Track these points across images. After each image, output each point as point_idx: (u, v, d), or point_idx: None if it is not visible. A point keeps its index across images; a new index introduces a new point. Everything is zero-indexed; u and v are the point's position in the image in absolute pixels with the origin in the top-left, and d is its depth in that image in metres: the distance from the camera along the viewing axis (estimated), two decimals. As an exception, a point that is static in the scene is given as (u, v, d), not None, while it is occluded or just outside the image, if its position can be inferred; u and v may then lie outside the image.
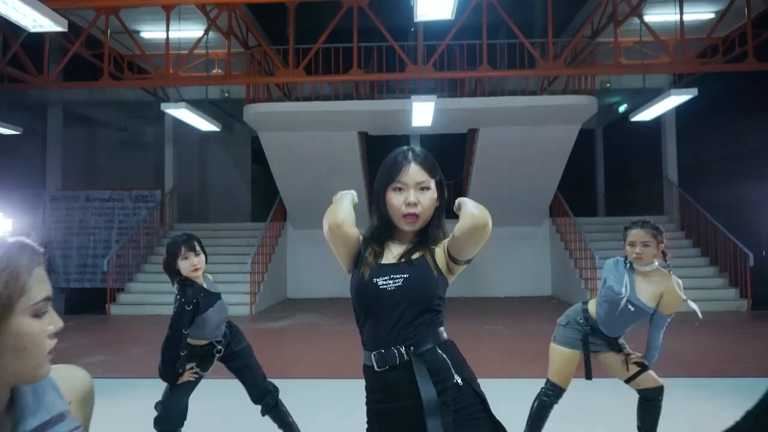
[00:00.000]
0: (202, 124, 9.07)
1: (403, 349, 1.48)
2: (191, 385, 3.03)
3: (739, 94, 11.76)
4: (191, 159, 14.74)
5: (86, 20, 8.95)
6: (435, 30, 9.03)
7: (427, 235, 1.64)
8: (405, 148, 1.67)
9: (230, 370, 3.20)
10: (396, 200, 1.58)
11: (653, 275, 2.86)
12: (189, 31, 9.70)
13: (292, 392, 4.85)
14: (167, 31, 8.85)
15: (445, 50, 9.18)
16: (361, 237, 1.69)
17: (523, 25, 9.34)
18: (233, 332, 3.20)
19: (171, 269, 2.92)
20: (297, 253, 13.08)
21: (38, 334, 0.87)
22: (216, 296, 3.02)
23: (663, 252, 2.86)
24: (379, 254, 1.61)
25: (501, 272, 12.32)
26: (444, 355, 1.50)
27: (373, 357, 1.51)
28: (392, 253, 1.61)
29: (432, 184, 1.61)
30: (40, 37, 10.23)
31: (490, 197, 11.72)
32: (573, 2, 10.86)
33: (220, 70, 11.15)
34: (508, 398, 3.76)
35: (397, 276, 1.53)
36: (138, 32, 10.16)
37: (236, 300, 10.47)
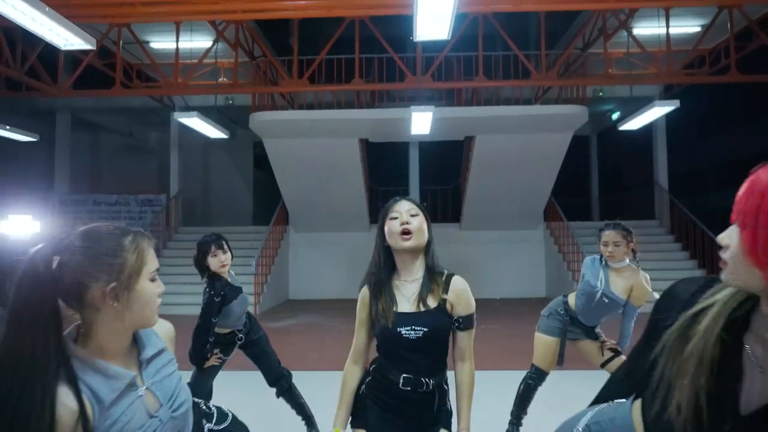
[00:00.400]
0: (212, 131, 9.45)
1: (430, 383, 1.81)
2: (215, 369, 3.40)
3: (727, 103, 12.22)
4: (195, 164, 15.11)
5: (99, 32, 9.33)
6: (433, 42, 9.43)
7: (430, 269, 1.90)
8: (396, 197, 2.02)
9: (249, 356, 3.57)
10: (392, 225, 1.88)
11: (624, 271, 3.27)
12: (197, 42, 10.10)
13: (298, 383, 5.24)
14: (177, 41, 9.24)
15: (443, 61, 9.58)
16: (365, 295, 1.92)
17: (518, 35, 9.77)
18: (252, 322, 3.57)
19: (201, 265, 3.27)
20: (299, 256, 13.45)
21: (153, 293, 1.26)
22: (238, 290, 3.39)
23: (633, 250, 3.26)
24: (394, 302, 1.83)
25: (497, 274, 12.71)
26: (446, 388, 1.90)
27: (402, 378, 1.81)
28: (405, 297, 1.85)
29: (420, 214, 1.90)
30: (54, 48, 10.62)
31: (486, 202, 12.23)
32: (566, 15, 11.28)
33: (225, 79, 11.55)
34: (502, 389, 4.17)
35: (418, 327, 1.79)
36: (147, 42, 10.54)
37: (241, 301, 10.83)
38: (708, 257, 11.11)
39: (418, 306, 1.82)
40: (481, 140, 11.00)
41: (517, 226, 12.94)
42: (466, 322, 1.89)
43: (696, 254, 11.57)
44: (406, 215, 1.87)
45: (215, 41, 9.37)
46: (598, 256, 3.39)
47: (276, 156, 11.35)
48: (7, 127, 8.77)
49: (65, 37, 4.49)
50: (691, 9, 9.27)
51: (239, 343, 3.46)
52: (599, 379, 3.68)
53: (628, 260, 3.29)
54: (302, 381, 5.36)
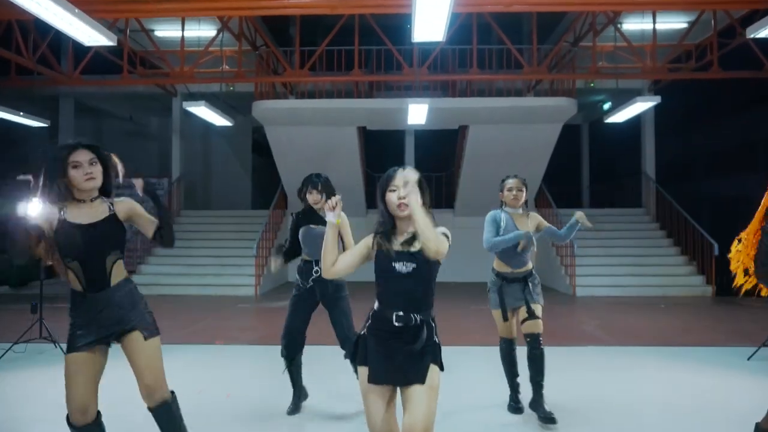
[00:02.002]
0: (218, 119, 9.83)
1: (418, 318, 2.20)
2: (300, 311, 3.90)
3: (713, 97, 12.65)
4: (196, 149, 15.44)
5: (107, 21, 9.65)
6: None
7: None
8: (395, 167, 2.35)
9: (330, 315, 3.98)
10: (391, 197, 2.24)
11: (523, 215, 3.93)
12: (201, 31, 10.42)
13: (306, 356, 5.69)
14: (182, 31, 9.58)
15: (439, 53, 9.96)
16: (370, 238, 2.31)
17: (511, 29, 10.12)
18: (336, 283, 3.90)
19: (301, 196, 3.92)
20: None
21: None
22: (321, 223, 3.79)
23: (525, 200, 3.94)
24: (392, 245, 2.24)
25: (487, 258, 13.11)
26: (432, 324, 2.27)
27: (394, 315, 2.19)
28: (400, 244, 2.24)
29: (415, 185, 2.21)
30: (62, 36, 10.91)
31: (478, 189, 12.65)
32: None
33: (227, 67, 11.88)
34: (487, 361, 4.66)
35: (409, 263, 2.20)
36: (152, 31, 10.85)
37: (242, 282, 11.28)
38: (690, 244, 11.58)
39: (404, 248, 2.23)
40: (474, 130, 11.40)
41: (508, 213, 13.34)
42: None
43: (679, 242, 12.05)
44: (403, 189, 2.21)
45: (219, 31, 9.71)
46: (498, 210, 3.94)
47: (277, 143, 11.73)
48: (21, 114, 9.09)
49: (89, 34, 4.86)
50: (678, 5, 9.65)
51: (316, 275, 3.82)
52: (581, 354, 4.07)
53: (521, 209, 3.91)
54: (310, 354, 5.82)
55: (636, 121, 12.81)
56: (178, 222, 13.48)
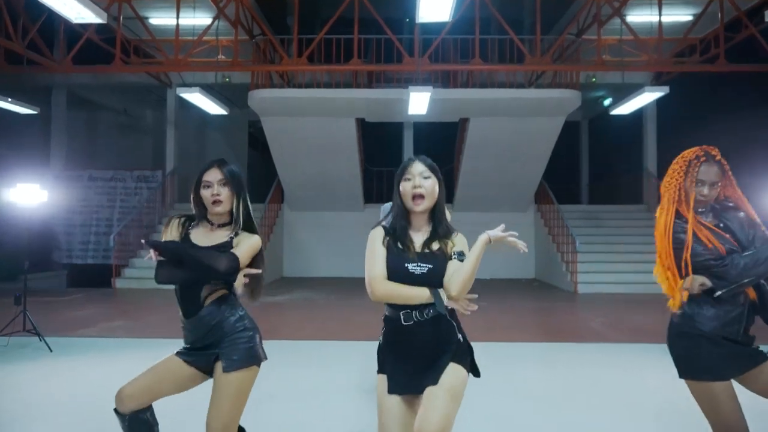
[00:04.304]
0: (213, 107, 9.58)
1: (428, 312, 1.99)
2: None
3: (716, 91, 12.44)
4: (191, 142, 15.17)
5: (99, 7, 9.39)
6: (431, 24, 9.59)
7: (436, 225, 2.11)
8: (411, 156, 2.19)
9: None
10: (406, 186, 2.07)
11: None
12: (196, 19, 10.16)
13: (296, 353, 5.48)
14: (177, 18, 9.32)
15: (440, 44, 9.74)
16: (380, 235, 2.11)
17: (513, 20, 9.91)
18: None
19: None
20: (293, 234, 13.64)
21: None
22: None
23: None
24: (405, 244, 2.06)
25: (488, 255, 12.77)
26: (450, 321, 2.05)
27: (402, 315, 2.01)
28: (414, 243, 2.06)
29: (432, 176, 2.09)
30: (54, 23, 10.65)
31: (478, 184, 12.46)
32: (561, 1, 11.44)
33: (223, 57, 11.62)
34: (490, 358, 4.45)
35: (424, 265, 2.01)
36: (147, 18, 10.58)
37: (237, 276, 11.02)
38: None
39: (423, 249, 2.06)
40: (475, 123, 11.19)
41: (508, 209, 13.18)
42: (460, 255, 2.08)
43: (681, 238, 11.84)
44: (419, 178, 2.06)
45: (215, 17, 9.46)
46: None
47: (273, 134, 11.49)
48: (9, 100, 8.84)
49: (78, 11, 4.62)
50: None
51: None
52: (587, 351, 3.83)
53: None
54: (299, 350, 5.64)
55: (637, 117, 12.63)
56: (169, 216, 13.21)
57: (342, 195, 12.88)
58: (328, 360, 5.30)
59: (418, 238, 2.11)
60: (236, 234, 2.28)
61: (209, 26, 9.46)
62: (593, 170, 16.67)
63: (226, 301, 2.25)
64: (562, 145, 12.04)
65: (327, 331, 6.84)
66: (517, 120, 10.89)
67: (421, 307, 2.00)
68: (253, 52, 10.76)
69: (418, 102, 8.73)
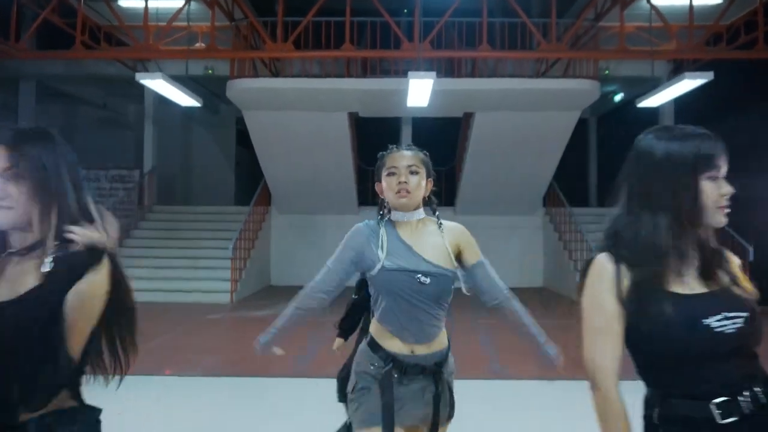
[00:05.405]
0: (181, 98, 8.52)
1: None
2: None
3: (735, 87, 11.46)
4: (173, 139, 14.20)
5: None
6: (432, 6, 8.59)
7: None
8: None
9: None
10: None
11: (422, 229, 2.08)
12: (172, 0, 9.13)
13: (279, 393, 4.43)
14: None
15: (443, 29, 8.74)
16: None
17: (523, 2, 8.93)
18: None
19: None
20: (281, 239, 12.65)
21: None
22: None
23: (432, 193, 2.10)
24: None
25: (492, 262, 11.94)
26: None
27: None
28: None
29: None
30: (7, 2, 9.61)
31: (483, 185, 11.45)
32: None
33: (203, 45, 10.58)
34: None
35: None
36: (115, 0, 9.56)
37: (215, 287, 10.04)
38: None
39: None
40: (480, 118, 10.23)
41: (514, 212, 12.24)
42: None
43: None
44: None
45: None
46: (373, 220, 2.27)
47: (257, 130, 10.50)
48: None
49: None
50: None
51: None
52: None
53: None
54: (280, 388, 4.60)
55: (652, 114, 11.66)
56: (148, 218, 12.20)
57: (334, 197, 11.87)
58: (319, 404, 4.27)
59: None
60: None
61: (181, 8, 8.43)
62: (602, 170, 15.74)
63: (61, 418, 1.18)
64: (569, 144, 11.15)
65: (317, 365, 5.78)
66: (527, 115, 9.92)
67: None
68: (233, 37, 9.72)
69: (419, 91, 7.70)
